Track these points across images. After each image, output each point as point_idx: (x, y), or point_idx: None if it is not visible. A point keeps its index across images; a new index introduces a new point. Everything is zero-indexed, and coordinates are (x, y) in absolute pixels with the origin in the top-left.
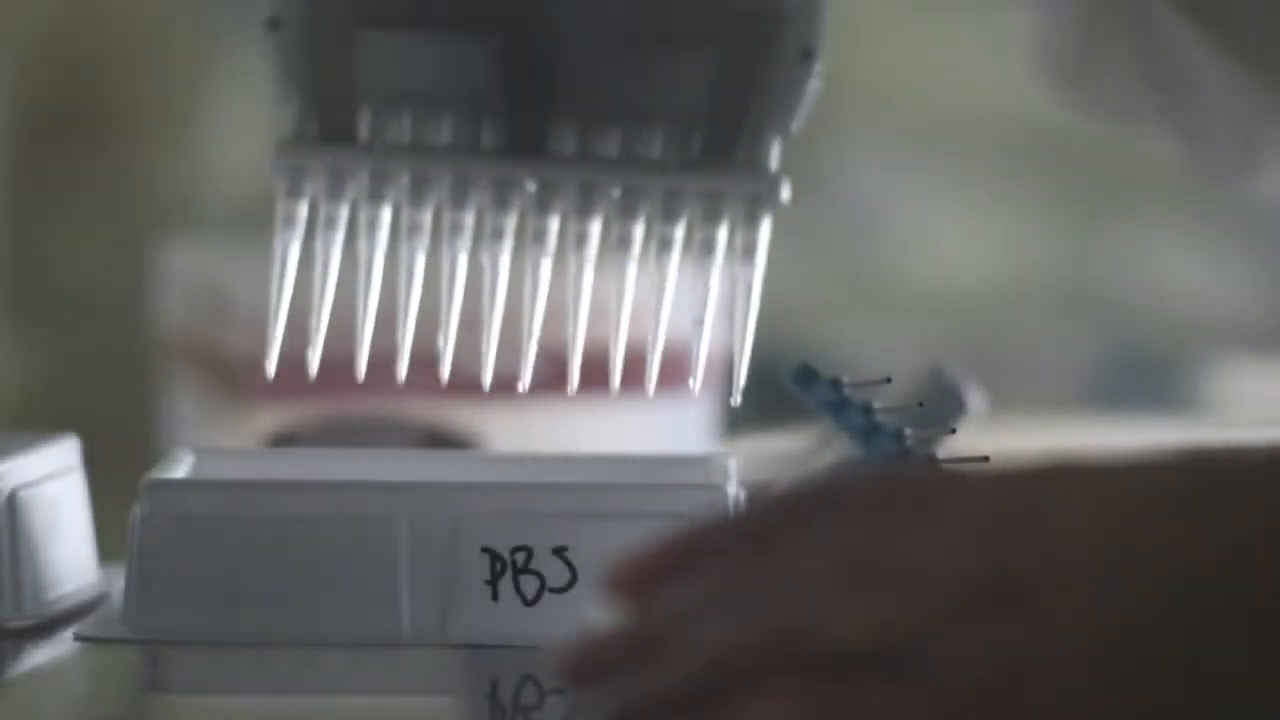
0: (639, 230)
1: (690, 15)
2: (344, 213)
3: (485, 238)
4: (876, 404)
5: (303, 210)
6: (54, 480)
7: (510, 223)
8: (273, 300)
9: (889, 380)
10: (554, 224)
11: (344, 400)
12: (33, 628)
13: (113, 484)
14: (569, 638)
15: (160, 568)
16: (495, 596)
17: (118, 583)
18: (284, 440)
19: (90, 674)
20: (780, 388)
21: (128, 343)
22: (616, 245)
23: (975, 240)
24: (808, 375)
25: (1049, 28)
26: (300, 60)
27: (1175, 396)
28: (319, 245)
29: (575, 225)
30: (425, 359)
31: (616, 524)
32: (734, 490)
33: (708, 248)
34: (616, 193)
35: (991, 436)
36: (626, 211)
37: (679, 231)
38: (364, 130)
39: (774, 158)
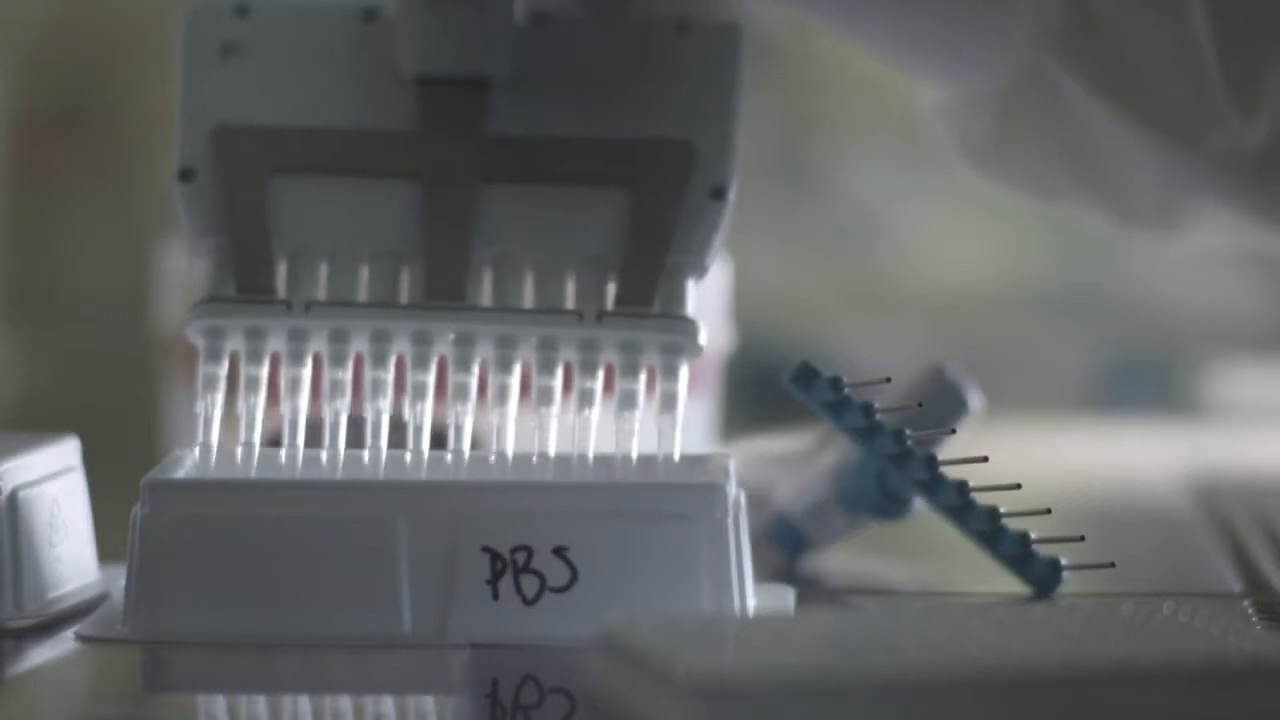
0: (558, 384)
1: (601, 158)
2: (264, 374)
3: (406, 394)
4: (876, 404)
5: (223, 372)
6: (54, 480)
7: (430, 379)
8: (197, 453)
9: (889, 380)
10: (473, 379)
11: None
12: (33, 628)
13: (113, 484)
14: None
15: (161, 568)
16: (495, 596)
17: (118, 583)
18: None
19: (91, 674)
20: (780, 388)
21: (128, 343)
22: (537, 400)
23: (975, 240)
24: (808, 375)
25: (961, 106)
26: (214, 212)
27: (1174, 397)
28: (243, 407)
29: (496, 378)
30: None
31: (616, 524)
32: (734, 490)
33: (628, 402)
34: (534, 343)
35: (991, 436)
36: (544, 365)
37: (598, 384)
38: (281, 284)
39: (690, 302)
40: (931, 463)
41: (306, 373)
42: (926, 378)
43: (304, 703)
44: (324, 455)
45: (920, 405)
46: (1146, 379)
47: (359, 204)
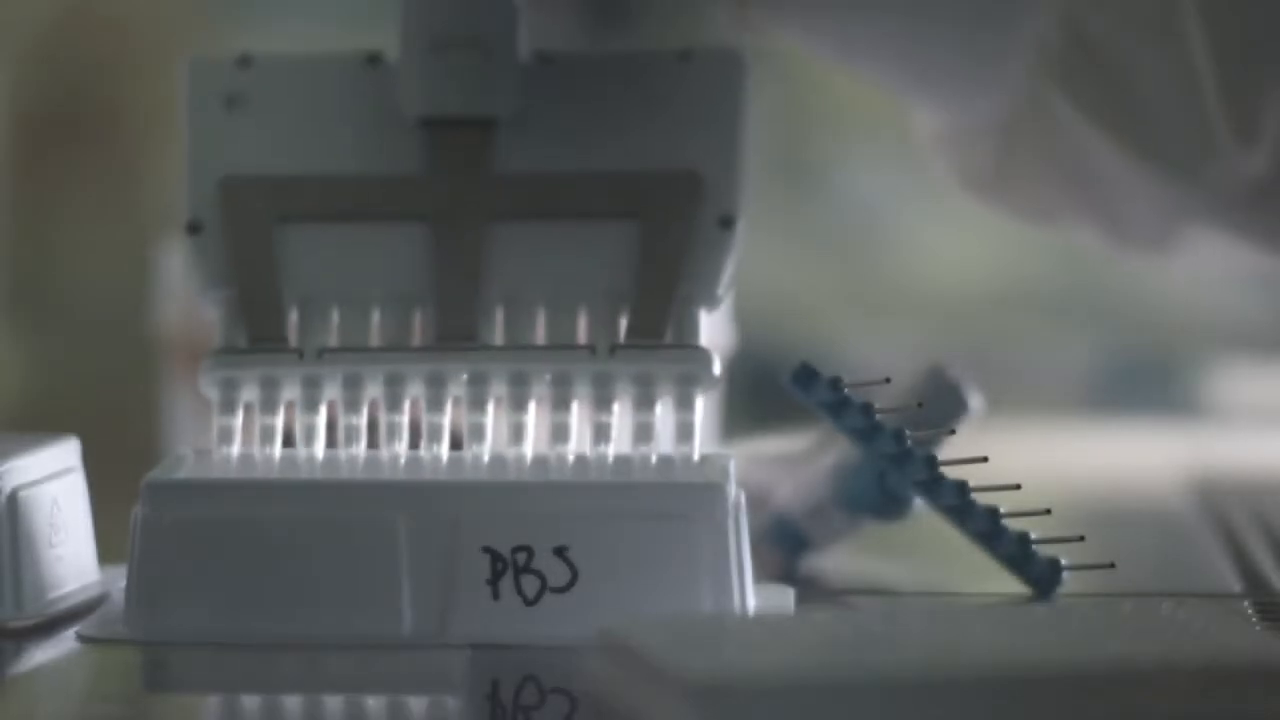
0: (573, 420)
1: (608, 192)
2: (279, 423)
3: (422, 438)
4: (876, 404)
5: (239, 423)
6: (54, 480)
7: (445, 421)
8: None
9: (889, 380)
10: (488, 418)
11: None
12: (33, 628)
13: (113, 484)
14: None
15: (161, 568)
16: (496, 596)
17: (118, 583)
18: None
19: (91, 674)
20: (780, 388)
21: (128, 343)
22: (553, 437)
23: (975, 240)
24: (808, 375)
25: (962, 135)
26: (222, 263)
27: (1174, 399)
28: (260, 456)
29: (510, 417)
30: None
31: (617, 524)
32: (734, 490)
33: (644, 435)
34: (548, 380)
35: (991, 437)
36: (559, 402)
37: (613, 418)
38: (292, 332)
39: (703, 332)
40: (931, 463)
41: (321, 420)
42: (926, 378)
43: (304, 703)
44: (323, 456)
45: (920, 405)
46: (1146, 379)
47: (367, 249)
